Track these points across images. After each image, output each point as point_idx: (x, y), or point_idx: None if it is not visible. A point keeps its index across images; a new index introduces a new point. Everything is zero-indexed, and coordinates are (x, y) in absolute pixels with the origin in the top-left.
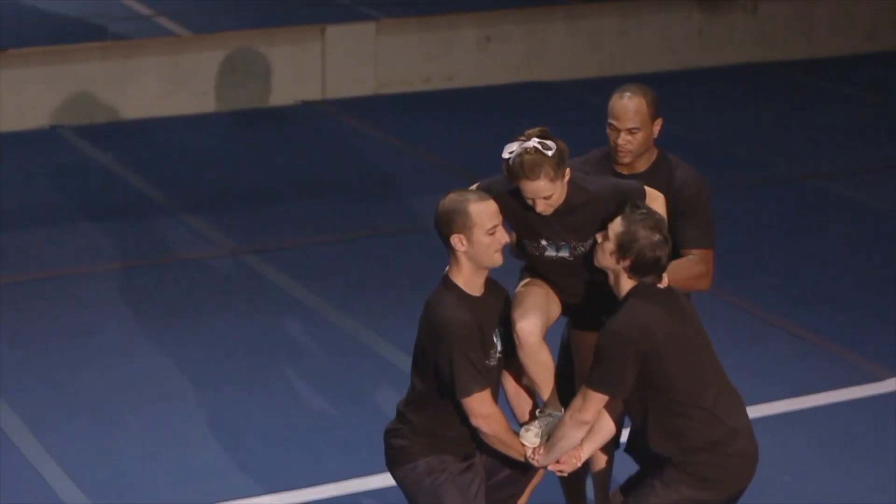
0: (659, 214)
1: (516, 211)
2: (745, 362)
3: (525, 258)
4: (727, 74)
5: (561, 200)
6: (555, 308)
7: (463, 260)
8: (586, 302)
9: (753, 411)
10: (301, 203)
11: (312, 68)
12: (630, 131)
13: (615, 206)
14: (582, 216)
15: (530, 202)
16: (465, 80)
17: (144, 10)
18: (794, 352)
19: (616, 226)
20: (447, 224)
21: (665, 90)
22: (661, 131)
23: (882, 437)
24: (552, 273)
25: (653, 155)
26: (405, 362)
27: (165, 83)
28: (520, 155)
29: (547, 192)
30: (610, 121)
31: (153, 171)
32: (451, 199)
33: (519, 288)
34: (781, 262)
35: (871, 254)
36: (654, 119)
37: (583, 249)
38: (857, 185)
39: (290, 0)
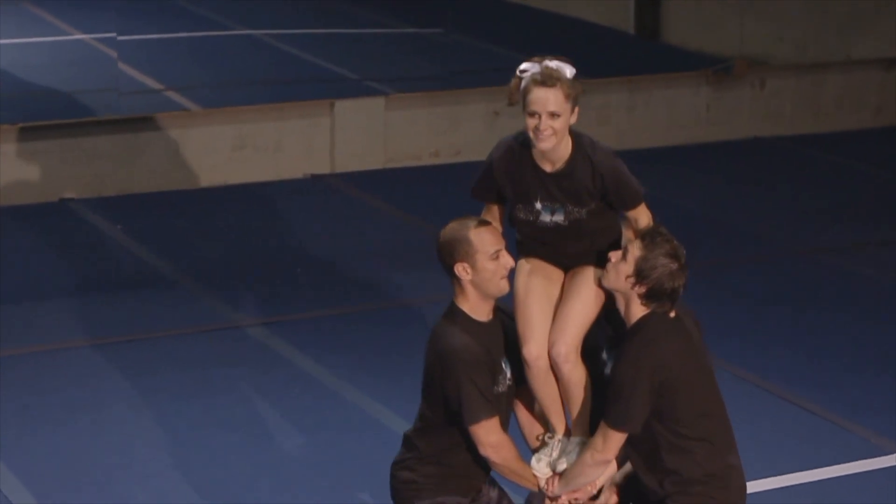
0: (678, 241)
1: (512, 171)
2: (751, 435)
3: (519, 229)
4: (735, 149)
5: (564, 139)
6: (555, 291)
7: (469, 288)
8: (584, 260)
9: (760, 485)
10: (309, 276)
11: (321, 143)
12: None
13: (614, 195)
14: (580, 183)
15: (533, 123)
16: (473, 155)
17: (154, 84)
18: (800, 425)
19: (635, 249)
20: (450, 254)
21: (673, 165)
22: (667, 204)
23: None
24: (548, 240)
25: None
26: None
27: (174, 157)
28: (538, 68)
29: (555, 107)
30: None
31: (162, 243)
32: (452, 228)
33: (519, 289)
34: (788, 335)
35: (878, 328)
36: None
37: (578, 215)
38: (865, 258)
39: (299, 75)
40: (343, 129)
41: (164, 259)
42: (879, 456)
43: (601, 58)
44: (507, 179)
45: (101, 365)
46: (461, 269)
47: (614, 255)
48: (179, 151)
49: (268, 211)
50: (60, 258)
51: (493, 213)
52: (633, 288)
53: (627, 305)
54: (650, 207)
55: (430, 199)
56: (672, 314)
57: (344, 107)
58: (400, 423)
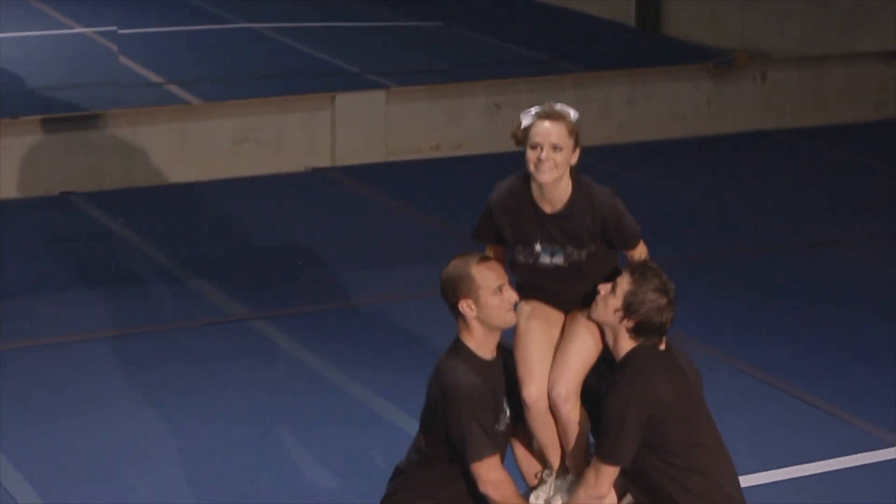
0: (667, 276)
1: (512, 213)
2: (753, 429)
3: (518, 272)
4: (736, 142)
5: (564, 179)
6: (555, 334)
7: (475, 325)
8: (583, 303)
9: (760, 478)
10: (310, 269)
11: (322, 136)
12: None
13: (615, 235)
14: (581, 224)
15: (535, 155)
16: (474, 148)
17: (155, 78)
18: (803, 418)
19: (625, 283)
20: (453, 291)
21: (674, 158)
22: (668, 198)
23: (892, 503)
24: (548, 283)
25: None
26: (415, 429)
27: (175, 150)
28: (543, 107)
29: (558, 139)
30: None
31: (163, 237)
32: (454, 265)
33: (519, 332)
34: (789, 328)
35: (880, 321)
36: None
37: (577, 257)
38: (866, 252)
39: (300, 68)
40: (344, 122)
41: (165, 253)
42: (880, 448)
43: (602, 51)
44: (506, 221)
45: (102, 359)
46: (465, 306)
47: (603, 289)
48: (180, 145)
49: (269, 204)
50: (61, 252)
51: (494, 254)
52: (621, 322)
53: (616, 339)
54: (651, 202)
55: (431, 193)
56: (662, 346)
57: (345, 100)
58: (401, 417)
